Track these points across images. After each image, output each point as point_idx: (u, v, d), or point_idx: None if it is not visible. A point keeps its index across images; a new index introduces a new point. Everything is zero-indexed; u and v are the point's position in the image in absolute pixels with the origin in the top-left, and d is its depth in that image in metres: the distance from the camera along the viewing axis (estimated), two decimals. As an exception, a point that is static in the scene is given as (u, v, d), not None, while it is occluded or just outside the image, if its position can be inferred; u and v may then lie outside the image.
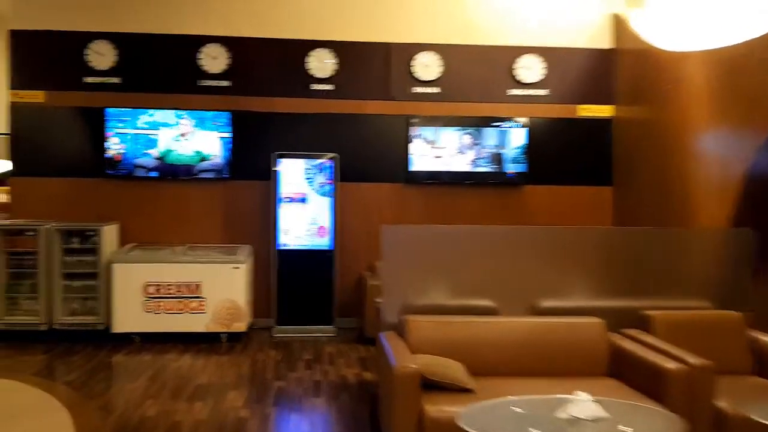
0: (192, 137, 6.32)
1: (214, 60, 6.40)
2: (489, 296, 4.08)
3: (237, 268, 5.87)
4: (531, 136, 6.41)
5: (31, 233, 5.79)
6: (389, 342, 3.55)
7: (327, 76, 6.47)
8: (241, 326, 5.83)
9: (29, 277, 5.83)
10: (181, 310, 5.83)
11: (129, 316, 5.80)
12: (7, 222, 5.92)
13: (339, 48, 6.46)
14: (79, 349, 5.56)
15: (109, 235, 6.03)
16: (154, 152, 6.29)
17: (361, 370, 5.00)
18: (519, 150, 6.41)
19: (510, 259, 4.21)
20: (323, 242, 6.19)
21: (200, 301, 5.83)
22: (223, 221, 6.48)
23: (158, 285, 5.80)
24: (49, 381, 4.70)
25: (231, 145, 6.33)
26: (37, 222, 5.87)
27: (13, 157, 6.31)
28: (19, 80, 6.25)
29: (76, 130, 6.33)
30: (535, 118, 6.47)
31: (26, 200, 6.27)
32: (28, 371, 4.91)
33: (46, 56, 6.27)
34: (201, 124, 6.32)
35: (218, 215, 6.47)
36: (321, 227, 6.19)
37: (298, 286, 6.19)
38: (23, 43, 6.23)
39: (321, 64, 6.46)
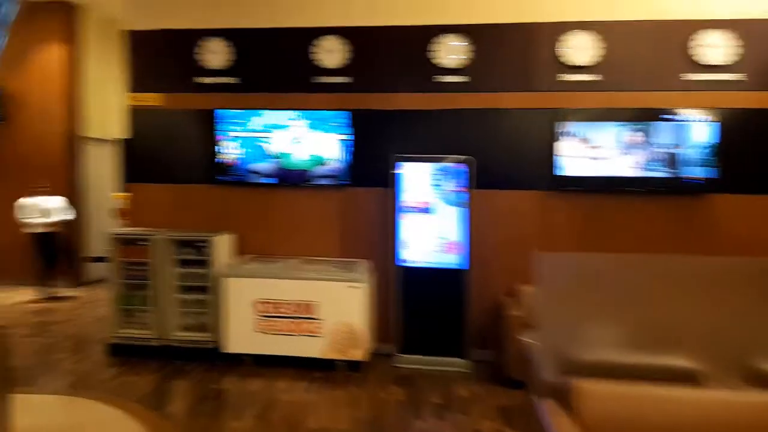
0: (308, 140, 5.73)
1: (330, 54, 5.76)
2: (686, 351, 3.00)
3: (355, 287, 5.17)
4: (719, 131, 5.06)
5: (144, 243, 5.49)
6: (552, 420, 2.60)
7: (457, 67, 5.58)
8: (359, 354, 5.13)
9: (143, 289, 5.55)
10: (295, 331, 5.25)
11: (240, 335, 5.32)
12: (121, 230, 5.68)
13: (470, 32, 5.55)
14: (190, 370, 5.17)
15: (222, 245, 5.60)
16: (268, 157, 5.78)
17: (502, 426, 4.07)
18: (703, 149, 5.10)
19: (715, 300, 3.09)
20: (453, 260, 5.31)
21: (315, 323, 5.21)
22: (340, 233, 5.83)
23: (271, 303, 5.27)
24: (127, 402, 4.28)
25: (350, 148, 5.66)
26: (150, 231, 5.57)
27: (128, 162, 6.10)
28: (137, 83, 6.01)
29: (189, 133, 5.98)
30: (725, 109, 5.12)
31: (142, 207, 6.02)
32: (134, 395, 4.54)
33: (161, 56, 5.98)
34: (317, 125, 5.71)
35: (335, 226, 5.84)
36: (450, 242, 5.32)
37: (423, 310, 5.37)
38: (141, 43, 5.98)
39: (449, 52, 5.59)
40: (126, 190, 6.14)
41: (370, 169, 5.70)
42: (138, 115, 6.01)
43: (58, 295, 8.10)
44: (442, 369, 5.24)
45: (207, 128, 5.87)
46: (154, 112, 5.97)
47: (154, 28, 5.94)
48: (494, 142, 5.51)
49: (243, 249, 5.90)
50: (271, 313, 5.28)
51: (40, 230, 8.07)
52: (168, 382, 4.93)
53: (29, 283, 8.16)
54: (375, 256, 5.71)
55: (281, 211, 5.91)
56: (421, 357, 5.34)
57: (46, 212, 8.16)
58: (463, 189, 5.31)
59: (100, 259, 8.76)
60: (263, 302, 5.28)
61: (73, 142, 9.09)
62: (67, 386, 4.78)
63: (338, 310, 5.18)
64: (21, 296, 8.08)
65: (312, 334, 5.22)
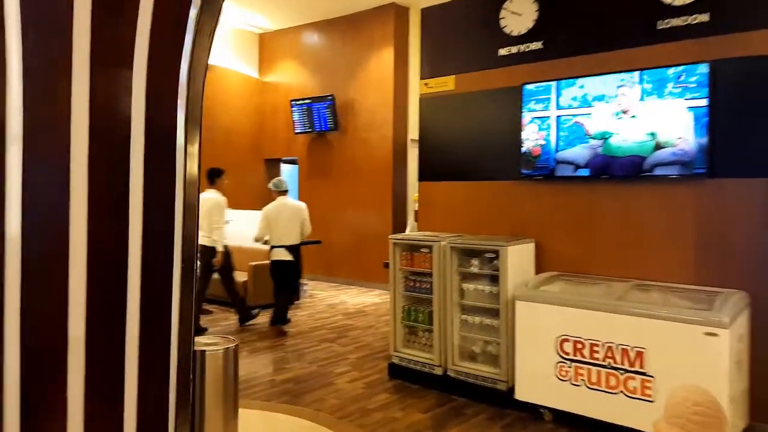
0: (642, 112, 4.02)
1: (680, -14, 3.93)
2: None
3: (716, 334, 3.25)
4: None
5: (426, 249, 4.61)
6: None
7: None
8: (720, 442, 3.18)
9: (426, 304, 4.67)
10: (614, 388, 3.61)
11: (537, 380, 3.95)
12: (402, 235, 4.91)
13: None
14: (471, 414, 4.04)
15: (517, 257, 4.32)
16: (585, 141, 4.27)
17: None
18: None
19: None
20: None
21: (644, 380, 3.48)
22: (694, 247, 3.92)
23: (581, 342, 3.75)
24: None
25: (708, 120, 3.73)
26: (434, 236, 4.66)
27: (420, 159, 5.35)
28: (429, 67, 5.24)
29: (485, 120, 4.90)
30: None
31: (432, 208, 5.20)
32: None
33: (454, 32, 5.07)
34: (656, 90, 3.95)
35: (686, 236, 3.95)
36: None
37: None
38: (433, 21, 5.20)
39: None
40: (419, 191, 5.42)
41: (745, 149, 3.66)
42: (428, 104, 5.23)
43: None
44: None
45: (507, 111, 4.71)
46: (446, 99, 5.09)
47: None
48: None
49: (546, 263, 4.52)
50: (581, 357, 3.75)
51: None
52: (441, 426, 3.88)
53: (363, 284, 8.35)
54: (755, 286, 3.62)
55: (602, 214, 4.32)
56: None
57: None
58: None
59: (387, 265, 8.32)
60: (570, 340, 3.79)
61: (400, 146, 9.07)
62: (328, 407, 4.18)
63: (684, 366, 3.33)
64: (364, 297, 8.31)
65: (639, 397, 3.50)
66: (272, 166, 11.00)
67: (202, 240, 5.90)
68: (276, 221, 6.20)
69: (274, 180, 6.56)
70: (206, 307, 7.54)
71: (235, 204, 10.16)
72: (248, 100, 10.59)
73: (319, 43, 10.00)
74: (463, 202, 5.01)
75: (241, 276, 7.61)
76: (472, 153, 4.97)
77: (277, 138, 10.52)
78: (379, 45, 9.13)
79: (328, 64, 9.82)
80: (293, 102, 9.92)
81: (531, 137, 4.56)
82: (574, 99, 4.33)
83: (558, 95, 4.41)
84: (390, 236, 4.85)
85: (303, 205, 6.44)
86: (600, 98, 4.21)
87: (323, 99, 9.51)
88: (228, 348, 2.93)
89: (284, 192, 6.34)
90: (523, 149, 4.59)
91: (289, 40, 10.41)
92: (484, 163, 4.91)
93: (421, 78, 5.27)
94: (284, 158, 10.73)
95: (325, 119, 9.54)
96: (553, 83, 4.43)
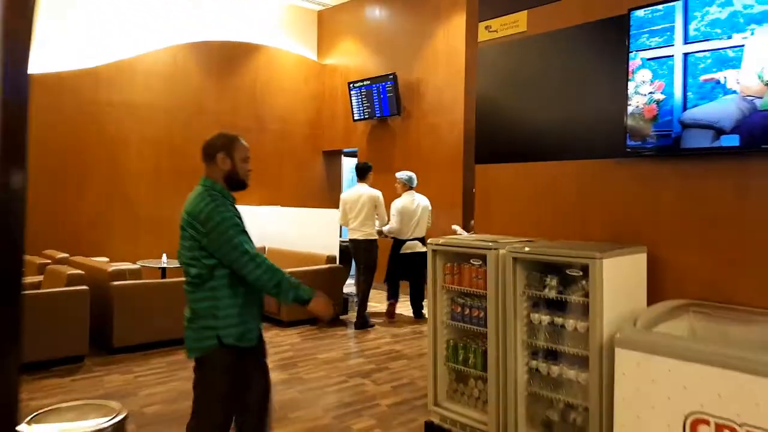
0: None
1: None
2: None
3: None
4: None
5: (479, 261, 3.14)
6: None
7: None
8: None
9: (480, 340, 3.21)
10: None
11: (651, 478, 2.38)
12: (445, 239, 3.41)
13: None
14: None
15: (617, 276, 2.75)
16: (733, 91, 2.65)
17: None
18: None
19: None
20: None
21: None
22: None
23: (726, 426, 2.15)
24: None
25: None
26: (489, 241, 3.16)
27: (478, 133, 3.87)
28: (490, 3, 3.76)
29: (571, 70, 3.36)
30: None
31: (490, 202, 3.72)
32: None
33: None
34: None
35: None
36: None
37: None
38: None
39: None
40: (475, 176, 3.94)
41: None
42: (490, 56, 3.75)
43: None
44: None
45: (603, 55, 3.17)
46: (515, 46, 3.59)
47: None
48: None
49: (666, 286, 2.91)
50: (730, 452, 2.15)
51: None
52: None
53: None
54: None
55: (760, 208, 2.66)
56: None
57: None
58: None
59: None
60: (709, 422, 2.20)
61: (472, 132, 7.58)
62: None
63: None
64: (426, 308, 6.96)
65: None
66: (332, 159, 9.85)
67: (355, 234, 6.38)
68: (411, 215, 6.45)
69: (408, 174, 6.58)
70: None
71: (290, 201, 9.15)
72: (305, 84, 9.50)
73: (381, 17, 8.71)
74: (536, 192, 3.49)
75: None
76: (551, 121, 3.44)
77: (337, 127, 9.35)
78: (448, 13, 7.70)
79: (390, 40, 8.50)
80: (351, 84, 8.69)
81: (642, 90, 2.97)
82: (715, 24, 2.70)
83: (687, 20, 2.80)
84: (429, 241, 3.41)
85: (427, 200, 6.69)
86: (758, 20, 2.56)
87: (384, 79, 8.21)
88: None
89: (413, 187, 6.60)
90: (630, 109, 3.02)
91: (350, 15, 9.21)
92: (567, 135, 3.37)
93: (481, 20, 3.80)
94: (345, 150, 9.53)
95: (386, 103, 8.24)
96: (679, 2, 2.82)
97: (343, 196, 6.69)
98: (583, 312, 2.73)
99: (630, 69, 3.02)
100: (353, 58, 9.09)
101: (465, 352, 3.28)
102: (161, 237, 7.94)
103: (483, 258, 3.08)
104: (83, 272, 5.03)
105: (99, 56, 7.53)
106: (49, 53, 7.16)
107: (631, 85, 3.02)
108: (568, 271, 2.78)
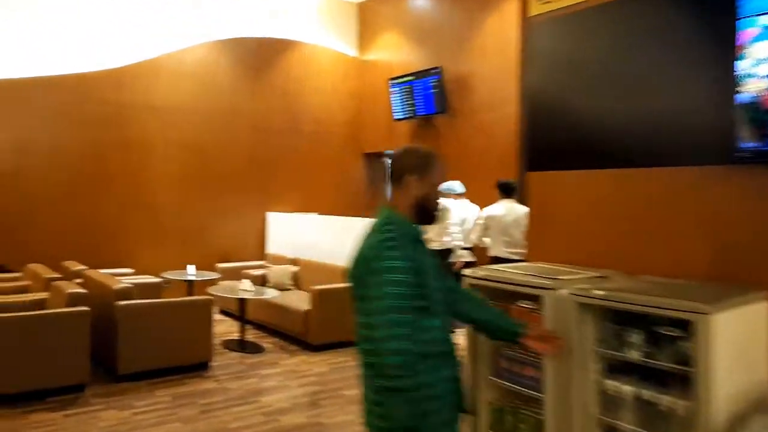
0: None
1: None
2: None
3: None
4: None
5: (530, 303, 2.35)
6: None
7: None
8: None
9: (533, 405, 2.43)
10: None
11: None
12: (486, 271, 2.61)
13: None
14: None
15: (735, 337, 1.92)
16: None
17: None
18: None
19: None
20: None
21: None
22: None
23: None
24: None
25: None
26: (546, 275, 2.37)
27: (530, 132, 3.08)
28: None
29: (655, 48, 2.53)
30: None
31: (547, 220, 2.92)
32: None
33: None
34: None
35: None
36: None
37: None
38: None
39: None
40: (529, 186, 3.15)
41: None
42: (544, 34, 2.95)
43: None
44: None
45: (701, 25, 2.33)
46: (576, 20, 2.79)
47: None
48: None
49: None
50: None
51: (504, 256, 5.54)
52: None
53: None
54: None
55: None
56: None
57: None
58: None
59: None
60: None
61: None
62: None
63: None
64: None
65: None
66: (372, 162, 9.17)
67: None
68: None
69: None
70: (259, 341, 5.89)
71: (328, 209, 8.55)
72: (344, 82, 8.86)
73: (425, 7, 7.97)
74: (609, 208, 2.67)
75: (299, 301, 5.84)
76: (628, 115, 2.62)
77: (378, 127, 8.66)
78: (499, 5, 6.89)
79: (435, 30, 7.75)
80: (392, 81, 7.99)
81: (761, 71, 2.13)
82: None
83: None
84: (465, 272, 2.65)
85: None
86: None
87: (427, 74, 7.47)
88: None
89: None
90: (742, 97, 2.18)
91: (392, 6, 8.51)
92: (651, 134, 2.54)
93: (534, -9, 3.01)
94: (387, 152, 8.84)
95: (430, 100, 7.49)
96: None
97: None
98: (681, 384, 1.93)
99: (741, 41, 2.18)
100: (395, 53, 8.39)
101: (514, 419, 2.50)
102: (188, 247, 7.47)
103: (537, 299, 2.30)
104: (86, 291, 4.53)
105: (122, 56, 7.11)
106: (70, 53, 6.78)
107: (743, 64, 2.18)
108: (659, 330, 1.98)
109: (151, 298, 5.83)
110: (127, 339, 4.61)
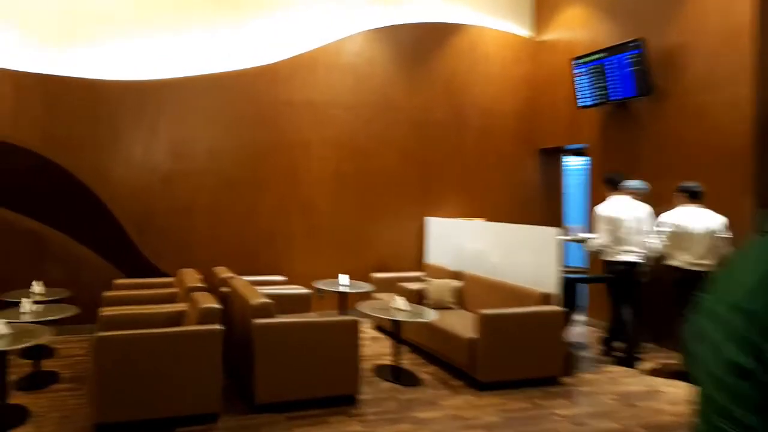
0: None
1: None
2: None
3: None
4: None
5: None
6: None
7: None
8: None
9: None
10: None
11: None
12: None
13: None
14: None
15: None
16: None
17: None
18: None
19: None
20: None
21: None
22: None
23: None
24: None
25: None
26: None
27: None
28: None
29: None
30: None
31: None
32: None
33: None
34: None
35: None
36: None
37: None
38: None
39: None
40: None
41: None
42: None
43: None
44: None
45: None
46: None
47: None
48: None
49: None
50: None
51: (686, 267, 4.71)
52: None
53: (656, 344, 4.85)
54: None
55: None
56: None
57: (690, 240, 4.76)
58: None
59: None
60: None
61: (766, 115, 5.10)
62: None
63: None
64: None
65: None
66: (549, 159, 7.86)
67: (629, 257, 5.19)
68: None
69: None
70: (416, 369, 4.97)
71: (496, 214, 7.45)
72: (516, 68, 7.68)
73: (621, -33, 6.51)
74: None
75: (463, 326, 4.81)
76: None
77: (558, 118, 7.35)
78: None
79: (633, -7, 6.28)
80: (576, 61, 6.66)
81: None
82: None
83: None
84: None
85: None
86: None
87: (624, 48, 6.03)
88: None
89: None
90: None
91: (575, -26, 7.16)
92: None
93: None
94: (569, 147, 7.48)
95: (627, 80, 6.04)
96: None
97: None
98: None
99: None
100: (579, 28, 7.03)
101: None
102: (342, 253, 6.84)
103: None
104: (220, 306, 3.95)
105: (278, 51, 6.69)
106: (225, 51, 6.49)
107: None
108: None
109: (300, 312, 5.26)
110: (265, 363, 3.96)
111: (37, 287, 5.08)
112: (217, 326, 3.78)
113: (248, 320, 4.04)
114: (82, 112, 5.95)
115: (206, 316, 3.82)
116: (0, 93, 5.68)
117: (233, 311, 4.57)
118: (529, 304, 4.86)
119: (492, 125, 7.57)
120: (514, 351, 4.59)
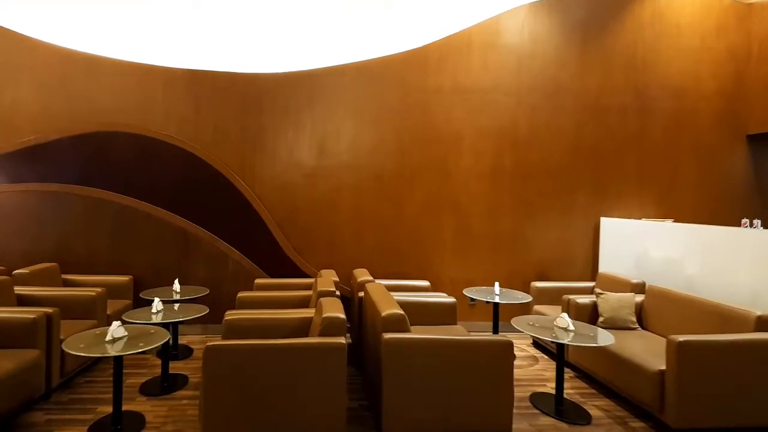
0: None
1: None
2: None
3: None
4: None
5: None
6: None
7: None
8: None
9: None
10: None
11: None
12: None
13: None
14: None
15: None
16: None
17: None
18: None
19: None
20: None
21: None
22: None
23: None
24: None
25: None
26: None
27: None
28: None
29: None
30: None
31: None
32: None
33: None
34: None
35: None
36: None
37: None
38: None
39: None
40: None
41: None
42: None
43: None
44: None
45: None
46: None
47: None
48: None
49: None
50: None
51: None
52: None
53: None
54: None
55: None
56: None
57: None
58: None
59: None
60: None
61: None
62: None
63: None
64: None
65: None
66: (763, 147, 6.27)
67: None
68: None
69: None
70: (584, 402, 4.02)
71: (689, 214, 6.11)
72: (717, 38, 6.25)
73: None
74: None
75: (647, 353, 3.76)
76: None
77: (775, 96, 5.81)
78: None
79: None
80: (809, 16, 5.13)
81: None
82: None
83: None
84: None
85: None
86: None
87: None
88: None
89: None
90: None
91: None
92: None
93: None
94: (789, 132, 5.88)
95: None
96: None
97: None
98: None
99: None
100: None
101: None
102: (497, 258, 6.04)
103: None
104: (342, 316, 3.44)
105: (427, 33, 6.10)
106: (377, 38, 6.05)
107: None
108: None
109: (444, 324, 4.62)
110: (393, 385, 3.37)
111: (176, 285, 5.09)
112: (341, 339, 3.27)
113: (378, 333, 3.48)
114: (229, 107, 5.90)
115: (329, 326, 3.33)
116: (151, 90, 5.80)
117: (366, 321, 4.06)
118: (741, 330, 3.68)
119: (685, 108, 6.22)
120: (720, 390, 3.47)
